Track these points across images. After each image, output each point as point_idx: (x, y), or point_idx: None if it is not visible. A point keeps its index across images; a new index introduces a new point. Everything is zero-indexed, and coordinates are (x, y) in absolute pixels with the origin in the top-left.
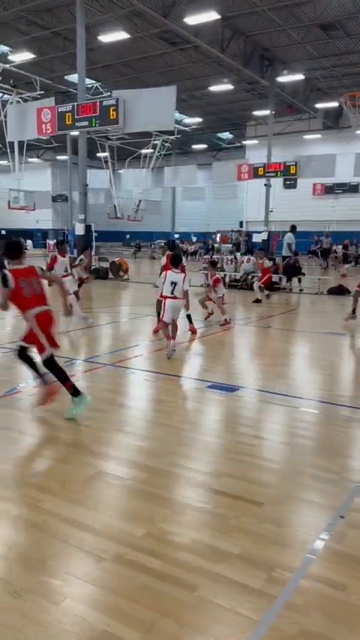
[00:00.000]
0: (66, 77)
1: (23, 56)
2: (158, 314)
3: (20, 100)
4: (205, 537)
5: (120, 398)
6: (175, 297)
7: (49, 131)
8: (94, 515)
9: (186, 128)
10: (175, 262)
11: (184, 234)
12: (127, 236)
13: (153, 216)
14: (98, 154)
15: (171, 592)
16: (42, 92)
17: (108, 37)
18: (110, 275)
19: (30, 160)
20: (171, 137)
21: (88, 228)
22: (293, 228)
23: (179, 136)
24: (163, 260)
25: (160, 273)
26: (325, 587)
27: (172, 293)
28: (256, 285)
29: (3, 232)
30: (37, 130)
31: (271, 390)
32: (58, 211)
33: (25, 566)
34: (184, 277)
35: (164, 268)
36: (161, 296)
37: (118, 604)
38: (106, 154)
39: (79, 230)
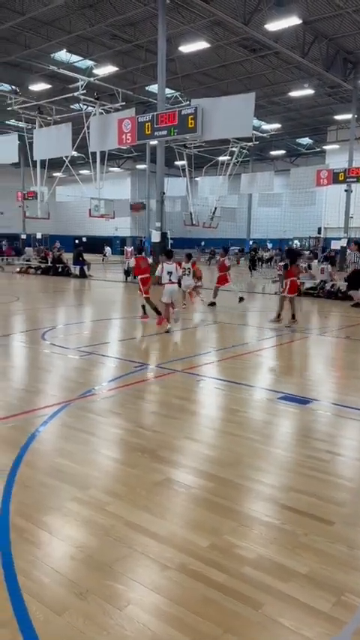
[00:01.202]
0: (146, 88)
1: (107, 69)
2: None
3: (103, 111)
4: (272, 554)
5: (190, 405)
6: (172, 282)
7: (129, 141)
8: (159, 522)
9: (264, 134)
10: (168, 255)
11: (259, 241)
12: (202, 243)
13: (228, 223)
14: (176, 162)
15: (235, 607)
16: (123, 103)
17: (189, 48)
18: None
19: (110, 169)
20: (249, 144)
21: (164, 235)
22: None
23: (257, 142)
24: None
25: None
26: None
27: (169, 280)
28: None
29: (84, 239)
30: (117, 140)
31: (347, 404)
32: (136, 219)
33: (91, 568)
34: (177, 267)
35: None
36: (160, 284)
37: (181, 615)
38: (184, 162)
39: (156, 237)
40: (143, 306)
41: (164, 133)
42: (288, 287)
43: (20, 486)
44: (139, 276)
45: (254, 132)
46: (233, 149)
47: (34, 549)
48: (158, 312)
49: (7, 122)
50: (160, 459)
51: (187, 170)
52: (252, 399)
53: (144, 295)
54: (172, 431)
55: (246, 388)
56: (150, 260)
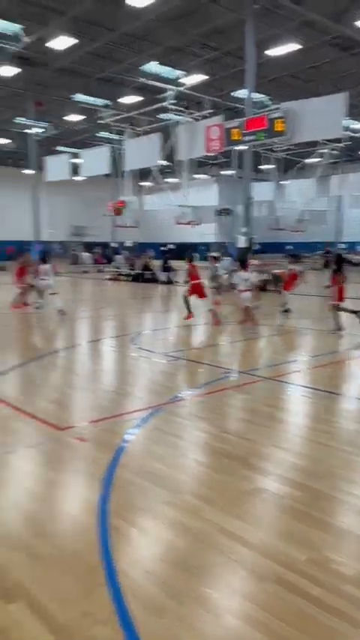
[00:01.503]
0: (233, 94)
1: (195, 78)
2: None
3: (190, 119)
4: None
5: (278, 413)
6: (248, 290)
7: (216, 148)
8: (253, 531)
9: (356, 134)
10: (243, 264)
11: (350, 244)
12: (289, 247)
13: (316, 226)
14: (262, 167)
15: (335, 625)
16: (211, 111)
17: (278, 51)
18: (270, 287)
19: (197, 176)
20: (339, 144)
21: (250, 240)
22: None
23: (349, 142)
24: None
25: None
26: None
27: (245, 287)
28: None
29: (171, 246)
30: (205, 148)
31: None
32: (222, 225)
33: (186, 572)
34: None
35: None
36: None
37: (279, 628)
38: (271, 165)
39: (242, 243)
40: (211, 310)
41: (252, 137)
42: (336, 295)
43: (117, 488)
44: (192, 282)
45: (344, 132)
46: (322, 150)
47: (132, 550)
48: (190, 311)
49: (98, 135)
50: (250, 467)
51: (274, 174)
52: (344, 409)
53: (188, 295)
54: (261, 438)
55: (336, 397)
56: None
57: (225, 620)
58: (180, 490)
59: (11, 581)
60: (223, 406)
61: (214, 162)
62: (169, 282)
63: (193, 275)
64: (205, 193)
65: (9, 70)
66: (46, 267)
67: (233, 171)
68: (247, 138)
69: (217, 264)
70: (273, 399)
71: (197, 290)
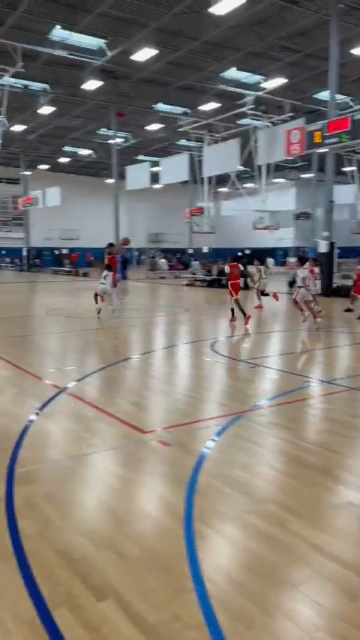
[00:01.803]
0: (314, 96)
1: (275, 82)
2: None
3: (270, 124)
4: None
5: None
6: (304, 287)
7: (296, 151)
8: (343, 546)
9: None
10: (302, 262)
11: None
12: None
13: None
14: (343, 169)
15: None
16: (291, 114)
17: None
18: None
19: (275, 180)
20: None
21: (332, 245)
22: None
23: None
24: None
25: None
26: None
27: (303, 284)
28: None
29: (247, 251)
30: (285, 152)
31: None
32: (300, 229)
33: (275, 585)
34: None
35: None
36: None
37: None
38: (353, 167)
39: (323, 247)
40: (232, 310)
41: (335, 140)
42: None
43: (200, 493)
44: (231, 282)
45: None
46: None
47: (218, 557)
48: (244, 313)
49: (177, 142)
50: (338, 480)
51: (356, 176)
52: None
53: (234, 297)
54: (346, 450)
55: None
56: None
57: (318, 638)
58: (265, 500)
59: (100, 579)
60: (305, 416)
61: (293, 165)
62: (246, 287)
63: (231, 274)
64: (283, 197)
65: (93, 84)
66: (105, 272)
67: (313, 175)
68: (329, 140)
69: (297, 270)
70: (358, 410)
71: (234, 288)
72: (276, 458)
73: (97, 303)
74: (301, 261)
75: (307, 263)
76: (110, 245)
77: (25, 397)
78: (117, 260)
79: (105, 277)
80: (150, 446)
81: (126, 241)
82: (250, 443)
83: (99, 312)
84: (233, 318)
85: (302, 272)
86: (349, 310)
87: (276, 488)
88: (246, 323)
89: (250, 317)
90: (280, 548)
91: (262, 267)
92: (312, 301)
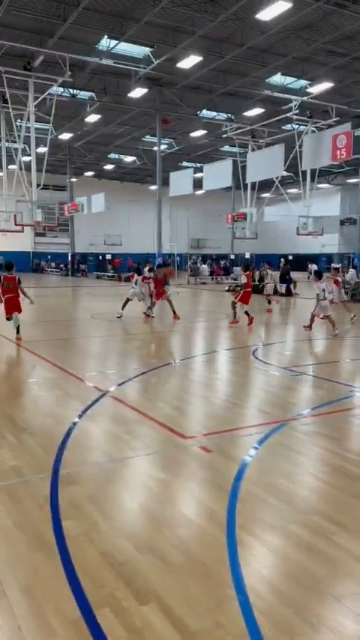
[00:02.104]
0: None
1: (321, 87)
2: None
3: (315, 129)
4: None
5: None
6: (325, 299)
7: (343, 156)
8: None
9: None
10: (319, 276)
11: None
12: None
13: None
14: None
15: None
16: (337, 119)
17: None
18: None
19: (319, 185)
20: None
21: None
22: None
23: None
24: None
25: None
26: None
27: (324, 296)
28: None
29: (290, 257)
30: (331, 157)
31: None
32: (345, 235)
33: (320, 598)
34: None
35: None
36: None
37: None
38: None
39: None
40: (247, 312)
41: None
42: None
43: (243, 501)
44: (247, 290)
45: None
46: None
47: (261, 567)
48: (248, 315)
49: (221, 148)
50: None
51: None
52: None
53: (242, 304)
54: None
55: None
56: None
57: None
58: (308, 510)
59: (143, 583)
60: (349, 426)
61: (339, 170)
62: (289, 293)
63: (248, 283)
64: (328, 203)
65: (139, 92)
66: (136, 276)
67: (359, 180)
68: None
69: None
70: None
71: (246, 297)
72: (319, 468)
73: (123, 308)
74: (318, 275)
75: (326, 274)
76: (160, 266)
77: (68, 399)
78: (164, 282)
79: (136, 282)
80: (191, 451)
81: (170, 272)
82: (292, 452)
83: (120, 317)
84: (235, 320)
85: (320, 286)
86: None
87: (320, 498)
88: (232, 323)
89: (253, 318)
90: (323, 559)
91: (269, 272)
92: (329, 315)
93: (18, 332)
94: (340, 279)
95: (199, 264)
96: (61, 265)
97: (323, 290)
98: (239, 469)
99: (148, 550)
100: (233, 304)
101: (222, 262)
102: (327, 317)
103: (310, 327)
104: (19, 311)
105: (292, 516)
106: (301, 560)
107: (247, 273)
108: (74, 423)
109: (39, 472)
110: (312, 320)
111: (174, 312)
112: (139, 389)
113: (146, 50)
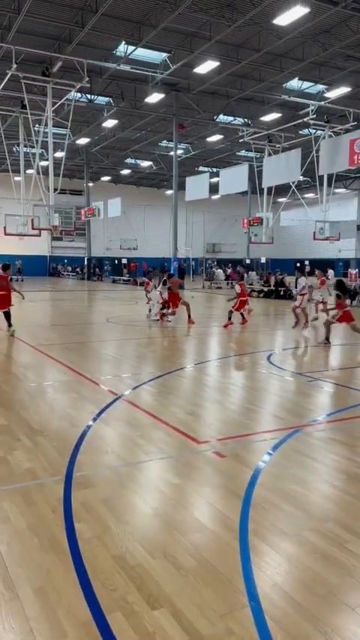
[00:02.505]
0: None
1: (339, 91)
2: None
3: (332, 134)
4: None
5: None
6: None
7: None
8: None
9: None
10: (302, 272)
11: None
12: None
13: None
14: None
15: None
16: (354, 123)
17: None
18: None
19: (337, 190)
20: None
21: None
22: None
23: None
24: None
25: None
26: None
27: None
28: None
29: (306, 262)
30: (348, 161)
31: None
32: None
33: (335, 607)
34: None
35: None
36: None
37: None
38: None
39: None
40: (242, 314)
41: None
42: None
43: (256, 507)
44: (243, 298)
45: None
46: None
47: (274, 574)
48: (229, 318)
49: (238, 153)
50: None
51: None
52: None
53: (239, 311)
54: None
55: None
56: None
57: None
58: (323, 517)
59: (155, 587)
60: None
61: (357, 175)
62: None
63: (242, 293)
64: (345, 208)
65: (156, 97)
66: (151, 284)
67: None
68: None
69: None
70: None
71: (242, 305)
72: (335, 475)
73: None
74: (301, 271)
75: (317, 273)
76: (170, 276)
77: (83, 402)
78: (178, 296)
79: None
80: (205, 456)
81: (174, 282)
82: (307, 458)
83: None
84: (229, 322)
85: (302, 281)
86: None
87: (335, 506)
88: (225, 325)
89: (231, 323)
90: (339, 568)
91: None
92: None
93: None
94: (325, 279)
95: (214, 269)
96: (77, 269)
97: (304, 286)
98: (253, 475)
99: (161, 554)
100: (230, 312)
101: (238, 267)
102: (303, 311)
103: (298, 323)
104: (10, 305)
105: (306, 523)
106: (315, 568)
107: (242, 282)
108: (89, 426)
109: (53, 475)
110: (296, 314)
111: (189, 316)
112: (153, 393)
113: (163, 55)
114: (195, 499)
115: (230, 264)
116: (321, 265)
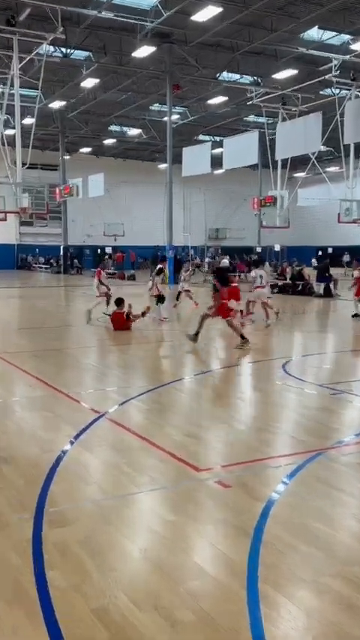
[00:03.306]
0: None
1: None
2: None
3: (359, 94)
4: None
5: None
6: (262, 286)
7: None
8: None
9: None
10: (256, 265)
11: None
12: None
13: None
14: None
15: None
16: None
17: None
18: None
19: None
20: None
21: None
22: None
23: None
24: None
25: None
26: None
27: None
28: None
29: (330, 250)
30: None
31: None
32: None
33: None
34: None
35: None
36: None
37: None
38: None
39: None
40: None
41: None
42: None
43: (268, 548)
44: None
45: None
46: None
47: (288, 629)
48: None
49: (245, 118)
50: None
51: None
52: None
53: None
54: None
55: None
56: None
57: None
58: (349, 560)
59: None
60: None
61: None
62: (328, 294)
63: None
64: None
65: (145, 50)
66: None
67: None
68: None
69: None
70: None
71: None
72: None
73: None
74: (256, 263)
75: (266, 265)
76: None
77: (58, 422)
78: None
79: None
80: (206, 487)
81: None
82: (331, 488)
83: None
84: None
85: (256, 272)
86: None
87: None
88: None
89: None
90: None
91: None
92: (266, 302)
93: None
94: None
95: (217, 259)
96: (52, 261)
97: (261, 277)
98: (264, 508)
99: (151, 607)
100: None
101: (248, 257)
102: (265, 305)
103: (248, 313)
104: None
105: (328, 568)
106: (339, 620)
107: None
108: (64, 452)
109: (20, 511)
110: (247, 306)
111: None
112: (144, 410)
113: (154, 0)
114: (194, 539)
115: (236, 254)
116: (350, 253)
